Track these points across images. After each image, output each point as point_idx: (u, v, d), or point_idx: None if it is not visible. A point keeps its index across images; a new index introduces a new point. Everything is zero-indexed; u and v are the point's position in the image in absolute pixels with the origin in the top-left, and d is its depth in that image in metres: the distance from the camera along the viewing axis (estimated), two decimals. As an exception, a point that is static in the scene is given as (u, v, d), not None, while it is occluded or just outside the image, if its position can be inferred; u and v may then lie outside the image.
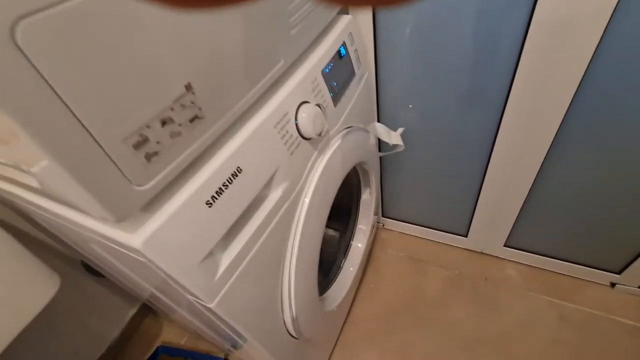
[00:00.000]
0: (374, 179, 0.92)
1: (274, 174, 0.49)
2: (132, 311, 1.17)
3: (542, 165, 0.85)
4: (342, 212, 0.94)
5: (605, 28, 0.59)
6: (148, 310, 1.22)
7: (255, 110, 0.47)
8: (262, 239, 0.48)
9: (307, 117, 0.52)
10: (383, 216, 1.27)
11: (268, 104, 0.48)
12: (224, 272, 0.42)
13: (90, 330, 1.07)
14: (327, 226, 0.96)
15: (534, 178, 0.89)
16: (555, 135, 0.77)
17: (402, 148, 0.90)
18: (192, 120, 0.35)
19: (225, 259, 0.43)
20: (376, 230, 1.28)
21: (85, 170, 0.28)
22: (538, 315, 0.99)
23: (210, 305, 0.42)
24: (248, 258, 0.46)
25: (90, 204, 0.30)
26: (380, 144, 1.01)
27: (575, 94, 0.69)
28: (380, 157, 1.08)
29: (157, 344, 1.12)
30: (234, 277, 0.44)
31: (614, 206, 0.86)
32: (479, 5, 0.65)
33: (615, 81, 0.65)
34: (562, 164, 0.84)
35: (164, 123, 0.32)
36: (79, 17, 0.25)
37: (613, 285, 1.02)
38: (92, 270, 0.99)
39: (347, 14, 0.73)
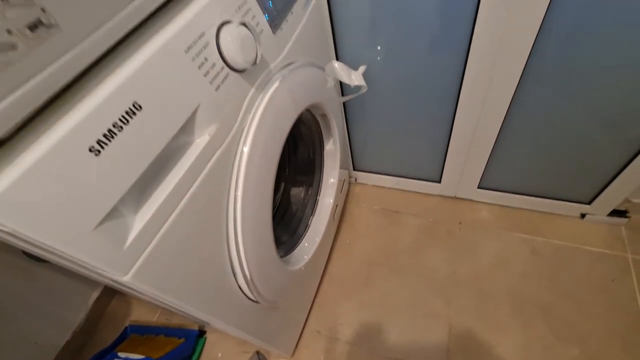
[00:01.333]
0: (337, 127, 0.83)
1: (193, 114, 0.39)
2: (95, 294, 1.10)
3: (509, 104, 0.80)
4: (306, 165, 0.86)
5: None
6: (114, 292, 1.14)
7: (154, 29, 0.36)
8: (187, 195, 0.39)
9: (233, 41, 0.41)
10: (355, 170, 1.21)
11: (173, 21, 0.37)
12: (136, 238, 0.34)
13: (51, 317, 0.99)
14: (290, 182, 0.90)
15: (502, 118, 0.84)
16: (521, 73, 0.71)
17: (366, 89, 0.81)
18: (32, 27, 0.24)
19: (138, 223, 0.35)
20: (349, 186, 1.22)
21: None
22: (511, 251, 0.99)
23: (124, 279, 0.34)
24: (171, 219, 0.38)
25: None
26: (343, 88, 0.91)
27: (540, 26, 0.62)
28: (345, 105, 0.98)
29: (127, 324, 1.06)
30: (154, 243, 0.36)
31: (581, 138, 0.83)
32: None
33: (575, 16, 0.58)
34: (529, 101, 0.78)
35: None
36: None
37: (583, 216, 1.02)
38: (33, 257, 0.90)
39: None
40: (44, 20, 0.25)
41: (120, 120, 0.31)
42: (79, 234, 0.29)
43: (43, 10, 0.25)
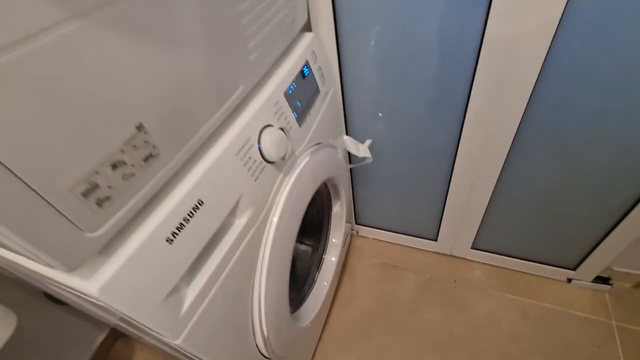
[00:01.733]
0: (344, 191, 0.93)
1: (237, 202, 0.49)
2: (101, 337, 1.13)
3: (500, 172, 0.90)
4: (313, 226, 0.95)
5: (550, 44, 0.63)
6: (118, 334, 1.17)
7: (215, 139, 0.47)
8: (228, 267, 0.48)
9: (271, 142, 0.52)
10: (357, 223, 1.29)
11: (228, 131, 0.48)
12: (189, 307, 0.42)
13: (58, 357, 1.02)
14: (299, 241, 0.98)
15: (493, 184, 0.94)
16: (512, 141, 0.82)
17: (371, 160, 0.92)
18: (146, 159, 0.35)
19: (190, 293, 0.43)
20: (351, 238, 1.30)
21: (29, 225, 0.27)
22: (502, 312, 1.04)
23: (176, 342, 0.41)
24: (214, 289, 0.46)
25: (39, 256, 0.29)
26: (350, 155, 1.03)
27: (527, 103, 0.73)
28: (350, 168, 1.10)
29: (130, 367, 1.08)
30: (201, 309, 0.44)
31: (565, 207, 0.93)
32: (437, 21, 0.68)
33: (564, 91, 0.70)
34: (520, 168, 0.89)
35: (114, 167, 0.32)
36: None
37: (570, 280, 1.09)
38: (54, 299, 0.95)
39: (310, 30, 0.74)
40: (153, 153, 0.35)
41: (189, 214, 0.41)
42: (152, 306, 0.38)
43: (154, 147, 0.35)
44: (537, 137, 0.81)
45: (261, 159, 0.53)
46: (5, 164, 0.24)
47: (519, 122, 0.78)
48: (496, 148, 0.85)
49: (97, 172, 0.30)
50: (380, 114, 0.91)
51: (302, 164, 0.63)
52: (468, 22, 0.66)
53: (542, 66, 0.66)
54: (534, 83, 0.69)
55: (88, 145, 0.30)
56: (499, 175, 0.92)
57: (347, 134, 0.97)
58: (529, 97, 0.72)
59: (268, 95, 0.55)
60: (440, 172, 0.99)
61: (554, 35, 0.61)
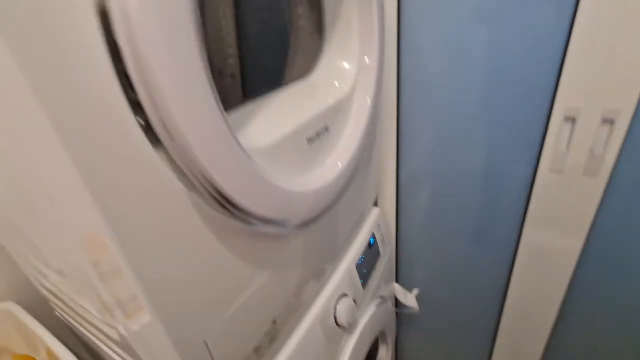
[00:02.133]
0: (390, 336, 1.00)
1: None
2: None
3: (552, 328, 0.92)
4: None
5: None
6: None
7: (304, 313, 0.62)
8: None
9: (345, 310, 0.66)
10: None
11: (315, 303, 0.63)
12: None
13: None
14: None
15: (547, 336, 0.95)
16: (560, 306, 0.87)
17: (417, 310, 1.01)
18: (271, 340, 0.49)
19: None
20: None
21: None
22: None
23: None
24: None
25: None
26: (396, 300, 1.12)
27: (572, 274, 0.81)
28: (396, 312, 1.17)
29: None
30: None
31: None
32: (484, 167, 0.83)
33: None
34: (575, 320, 0.90)
35: (256, 350, 0.46)
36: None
37: None
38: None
39: (376, 205, 0.94)
40: (275, 336, 0.50)
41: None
42: None
43: (276, 332, 0.50)
44: (586, 302, 0.85)
45: (334, 324, 0.65)
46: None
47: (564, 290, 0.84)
48: (545, 302, 0.88)
49: (248, 355, 0.45)
50: (429, 266, 1.04)
51: (362, 323, 0.75)
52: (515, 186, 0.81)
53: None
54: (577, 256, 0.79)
55: (249, 334, 0.45)
56: (551, 332, 0.93)
57: (396, 281, 1.09)
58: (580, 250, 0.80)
59: (344, 269, 0.71)
60: (487, 323, 1.04)
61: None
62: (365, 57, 0.52)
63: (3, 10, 0.19)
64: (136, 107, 0.25)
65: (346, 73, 0.54)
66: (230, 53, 0.62)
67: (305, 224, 0.43)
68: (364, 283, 0.78)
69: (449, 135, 0.82)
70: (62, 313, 0.58)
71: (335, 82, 0.54)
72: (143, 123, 0.26)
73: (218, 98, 0.28)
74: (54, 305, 0.60)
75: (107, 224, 0.25)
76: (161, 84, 0.23)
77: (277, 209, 0.37)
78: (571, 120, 0.65)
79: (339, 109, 0.52)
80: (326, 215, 0.49)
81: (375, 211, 0.89)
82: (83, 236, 0.29)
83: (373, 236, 0.84)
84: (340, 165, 0.47)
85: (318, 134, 0.48)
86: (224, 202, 0.31)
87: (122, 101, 0.24)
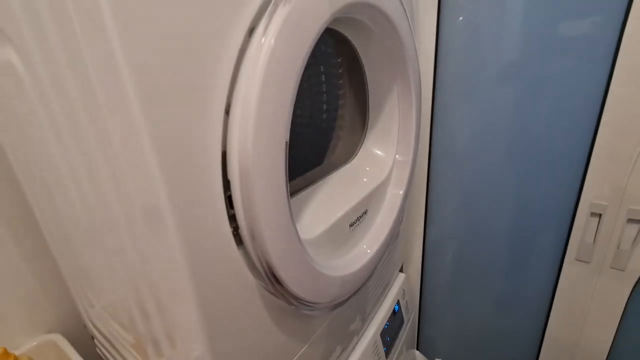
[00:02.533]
0: (409, 408, 0.98)
1: None
2: None
3: None
4: None
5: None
6: None
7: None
8: None
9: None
10: None
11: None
12: None
13: None
14: None
15: None
16: None
17: (438, 383, 0.99)
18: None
19: None
20: None
21: None
22: None
23: None
24: None
25: None
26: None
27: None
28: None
29: None
30: None
31: None
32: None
33: None
34: None
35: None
36: None
37: None
38: None
39: (402, 271, 0.97)
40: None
41: None
42: None
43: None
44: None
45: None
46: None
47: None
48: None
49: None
50: (452, 334, 1.02)
51: (383, 394, 0.75)
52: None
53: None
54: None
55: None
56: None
57: (417, 348, 1.07)
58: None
59: (370, 338, 0.73)
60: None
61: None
62: (401, 155, 0.59)
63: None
64: (232, 218, 0.33)
65: (384, 162, 0.62)
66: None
67: (336, 306, 0.49)
68: (387, 352, 0.79)
69: (475, 202, 0.86)
70: (103, 350, 0.65)
71: (374, 170, 0.62)
72: (233, 229, 0.34)
73: (292, 215, 0.35)
74: (97, 342, 0.67)
75: (192, 291, 0.32)
76: (255, 209, 0.31)
77: (318, 293, 0.43)
78: (597, 215, 0.68)
79: (376, 194, 0.59)
80: (355, 295, 0.54)
81: (400, 277, 0.92)
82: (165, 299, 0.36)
83: (398, 303, 0.87)
84: (370, 252, 0.52)
85: (359, 218, 0.55)
86: (280, 288, 0.38)
87: (224, 214, 0.32)
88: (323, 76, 0.70)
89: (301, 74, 0.34)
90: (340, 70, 0.65)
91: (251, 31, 0.32)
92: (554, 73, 0.68)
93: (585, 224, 0.69)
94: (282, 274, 0.36)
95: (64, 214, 0.46)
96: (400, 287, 0.90)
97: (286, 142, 0.32)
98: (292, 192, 0.54)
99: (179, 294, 0.32)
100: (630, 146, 0.61)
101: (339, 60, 0.64)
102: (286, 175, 0.33)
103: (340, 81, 0.67)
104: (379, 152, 0.64)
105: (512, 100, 0.74)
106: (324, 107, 0.72)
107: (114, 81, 0.25)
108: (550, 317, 0.83)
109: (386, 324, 0.80)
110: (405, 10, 0.52)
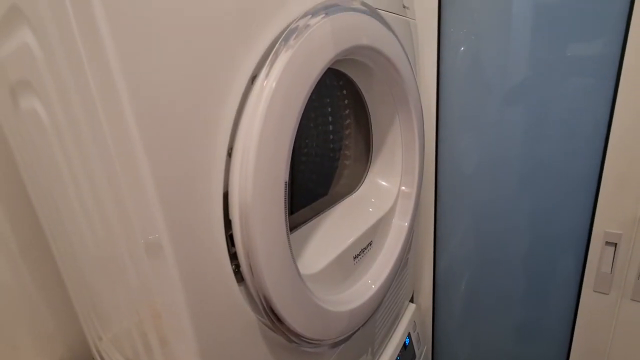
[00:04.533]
0: None
1: None
2: None
3: None
4: None
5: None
6: None
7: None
8: None
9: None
10: None
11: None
12: None
13: None
14: None
15: None
16: None
17: None
18: None
19: None
20: None
21: None
22: None
23: None
24: None
25: None
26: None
27: None
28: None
29: None
30: None
31: None
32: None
33: None
34: None
35: None
36: None
37: None
38: None
39: (412, 301, 0.95)
40: None
41: None
42: None
43: None
44: None
45: None
46: None
47: None
48: None
49: None
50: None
51: None
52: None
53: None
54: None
55: None
56: None
57: (432, 384, 1.02)
58: None
59: (379, 374, 0.71)
60: None
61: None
62: (406, 186, 0.60)
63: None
64: (233, 256, 0.34)
65: (388, 192, 0.62)
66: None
67: (340, 342, 0.48)
68: (398, 390, 0.76)
69: (486, 230, 0.84)
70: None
71: (379, 200, 0.62)
72: (234, 267, 0.34)
73: (293, 253, 0.36)
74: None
75: (192, 327, 0.32)
76: (255, 248, 0.32)
77: (319, 330, 0.43)
78: (613, 245, 0.65)
79: (381, 225, 0.59)
80: (361, 330, 0.52)
81: (411, 308, 0.90)
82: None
83: (409, 336, 0.84)
84: (374, 286, 0.52)
85: (363, 250, 0.54)
86: (280, 325, 0.38)
87: (225, 252, 0.33)
88: (329, 108, 0.72)
89: (300, 117, 0.35)
90: (345, 102, 0.68)
91: (253, 78, 0.34)
92: (559, 97, 0.68)
93: (601, 254, 0.67)
94: (282, 311, 0.36)
95: (75, 245, 0.48)
96: (411, 319, 0.87)
97: (285, 182, 0.34)
98: (297, 224, 0.55)
99: (179, 329, 0.33)
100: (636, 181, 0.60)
101: (344, 92, 0.66)
102: (286, 214, 0.34)
103: (346, 111, 0.69)
104: (383, 183, 0.64)
105: (517, 125, 0.74)
106: (330, 137, 0.73)
107: (121, 124, 0.27)
108: (572, 351, 0.78)
109: (397, 358, 0.77)
110: (404, 49, 0.54)
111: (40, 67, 0.35)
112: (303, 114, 0.36)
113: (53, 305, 0.68)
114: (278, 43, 0.34)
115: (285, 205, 0.34)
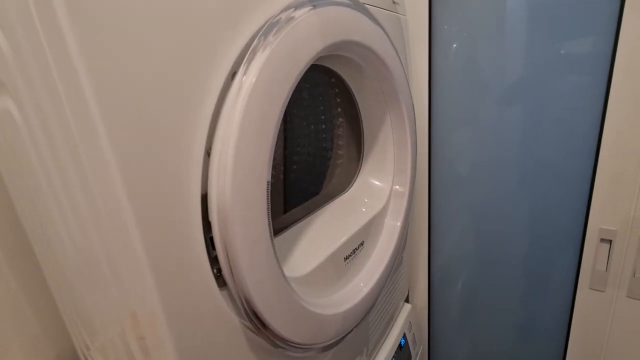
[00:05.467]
0: None
1: None
2: None
3: None
4: None
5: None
6: None
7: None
8: None
9: None
10: None
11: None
12: None
13: None
14: None
15: None
16: None
17: None
18: None
19: None
20: None
21: None
22: None
23: None
24: None
25: None
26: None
27: None
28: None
29: None
30: None
31: None
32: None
33: None
34: None
35: None
36: None
37: None
38: None
39: (408, 301, 0.94)
40: None
41: None
42: None
43: None
44: None
45: None
46: None
47: None
48: None
49: None
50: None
51: None
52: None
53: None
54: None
55: None
56: None
57: (428, 385, 1.01)
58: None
59: (373, 376, 0.70)
60: None
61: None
62: (398, 185, 0.59)
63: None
64: (214, 260, 0.33)
65: (381, 191, 0.61)
66: (275, 166, 0.72)
67: (330, 346, 0.46)
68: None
69: (481, 227, 0.83)
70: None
71: (371, 199, 0.61)
72: (216, 271, 0.33)
73: (277, 255, 0.35)
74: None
75: (171, 334, 0.31)
76: (235, 250, 0.31)
77: (309, 334, 0.41)
78: (608, 242, 0.64)
79: (373, 224, 0.58)
80: (354, 332, 0.51)
81: (406, 308, 0.89)
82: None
83: (404, 337, 0.83)
84: (365, 288, 0.51)
85: (354, 251, 0.53)
86: (265, 330, 0.36)
87: (205, 256, 0.32)
88: (321, 106, 0.71)
89: (282, 114, 0.34)
90: (337, 100, 0.66)
91: (233, 75, 0.33)
92: (552, 95, 0.67)
93: (596, 251, 0.66)
94: (266, 315, 0.35)
95: (57, 251, 0.47)
96: (406, 319, 0.86)
97: (268, 182, 0.32)
98: (286, 225, 0.53)
99: (158, 337, 0.32)
100: (634, 168, 0.59)
101: (335, 90, 0.65)
102: (269, 215, 0.33)
103: (338, 109, 0.68)
104: (375, 182, 0.63)
105: (510, 124, 0.73)
106: (322, 135, 0.72)
107: (88, 122, 0.26)
108: (569, 349, 0.77)
109: (393, 359, 0.76)
110: (394, 46, 0.53)
111: (11, 67, 0.33)
112: (294, 112, 0.35)
113: (40, 313, 0.66)
114: (257, 37, 0.33)
115: (268, 205, 0.32)
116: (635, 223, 0.61)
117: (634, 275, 0.63)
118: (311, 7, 0.37)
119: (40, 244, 0.53)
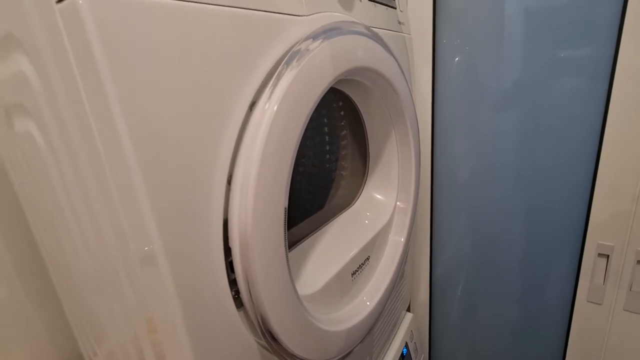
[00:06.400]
0: None
1: None
2: None
3: None
4: None
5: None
6: None
7: None
8: None
9: None
10: None
11: None
12: None
13: None
14: None
15: None
16: None
17: None
18: None
19: None
20: None
21: None
22: None
23: None
24: None
25: None
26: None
27: None
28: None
29: None
30: None
31: None
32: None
33: None
34: None
35: None
36: None
37: None
38: None
39: (409, 310, 0.95)
40: None
41: None
42: None
43: None
44: None
45: None
46: None
47: None
48: None
49: None
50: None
51: None
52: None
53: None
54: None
55: None
56: None
57: (429, 392, 1.03)
58: None
59: (377, 387, 0.71)
60: None
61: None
62: (401, 201, 0.60)
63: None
64: (232, 283, 0.34)
65: (385, 207, 0.63)
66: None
67: None
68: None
69: (481, 236, 0.85)
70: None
71: (375, 215, 0.62)
72: (234, 293, 0.34)
73: (292, 276, 0.36)
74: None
75: (190, 344, 0.32)
76: (254, 274, 0.32)
77: (317, 351, 0.43)
78: (605, 256, 0.66)
79: (378, 239, 0.59)
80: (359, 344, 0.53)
81: (408, 317, 0.90)
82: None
83: (406, 346, 0.84)
84: (369, 304, 0.52)
85: (361, 266, 0.55)
86: (279, 348, 0.38)
87: (224, 279, 0.33)
88: (325, 119, 0.72)
89: (299, 142, 0.35)
90: (342, 113, 0.68)
91: (252, 105, 0.34)
92: (553, 105, 0.69)
93: (594, 265, 0.68)
94: (281, 335, 0.36)
95: (70, 261, 0.48)
96: (408, 328, 0.87)
97: (285, 208, 0.34)
98: (295, 241, 0.55)
99: (176, 345, 0.33)
100: (632, 184, 0.61)
101: (340, 104, 0.66)
102: (285, 240, 0.34)
103: (342, 122, 0.69)
104: (379, 197, 0.64)
105: (512, 135, 0.75)
106: (327, 147, 0.74)
107: (119, 153, 0.27)
108: (567, 358, 0.79)
109: (394, 370, 0.77)
110: (400, 67, 0.55)
111: (37, 93, 0.34)
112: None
113: (48, 320, 0.67)
114: (280, 66, 0.34)
115: (285, 231, 0.34)
116: (633, 238, 0.63)
117: (630, 290, 0.65)
118: (323, 38, 0.38)
119: (53, 256, 0.54)
